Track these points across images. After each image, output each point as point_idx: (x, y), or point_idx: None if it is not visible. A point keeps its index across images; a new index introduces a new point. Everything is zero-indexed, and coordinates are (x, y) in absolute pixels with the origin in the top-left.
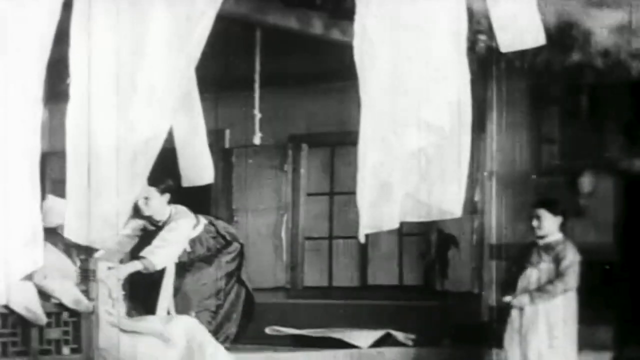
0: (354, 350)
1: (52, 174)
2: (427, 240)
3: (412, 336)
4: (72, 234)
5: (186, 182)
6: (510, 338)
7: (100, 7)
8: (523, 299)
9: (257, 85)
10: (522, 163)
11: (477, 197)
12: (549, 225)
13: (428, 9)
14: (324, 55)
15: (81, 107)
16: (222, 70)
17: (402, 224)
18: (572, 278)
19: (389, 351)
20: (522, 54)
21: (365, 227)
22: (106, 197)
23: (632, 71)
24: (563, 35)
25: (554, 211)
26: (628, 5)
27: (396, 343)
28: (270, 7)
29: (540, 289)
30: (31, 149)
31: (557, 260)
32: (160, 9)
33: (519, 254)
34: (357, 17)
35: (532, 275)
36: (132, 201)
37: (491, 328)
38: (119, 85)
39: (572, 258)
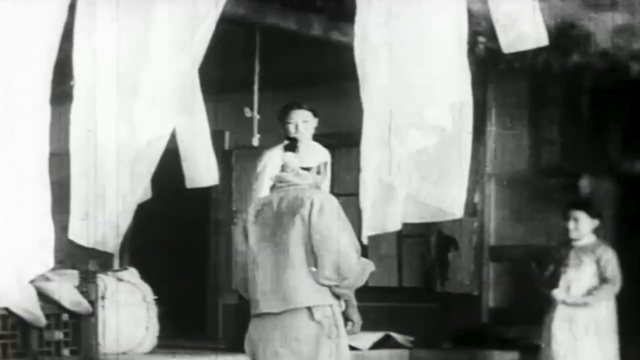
0: (353, 352)
1: (53, 176)
2: (426, 242)
3: (412, 338)
4: (76, 236)
5: (190, 183)
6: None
7: (103, 9)
8: (575, 298)
9: (256, 87)
10: (521, 165)
11: (476, 199)
12: (585, 228)
13: (429, 10)
14: (324, 57)
15: (85, 109)
16: (222, 72)
17: (402, 225)
18: (618, 282)
19: (388, 353)
20: (521, 55)
21: (368, 229)
22: (109, 199)
23: (632, 72)
24: (563, 36)
25: (591, 213)
26: (628, 6)
27: (396, 345)
28: (270, 8)
29: (591, 292)
30: (40, 150)
31: (600, 263)
32: (163, 11)
33: (554, 254)
34: (358, 19)
35: (574, 277)
36: (136, 203)
37: (491, 329)
38: (122, 87)
39: (616, 263)
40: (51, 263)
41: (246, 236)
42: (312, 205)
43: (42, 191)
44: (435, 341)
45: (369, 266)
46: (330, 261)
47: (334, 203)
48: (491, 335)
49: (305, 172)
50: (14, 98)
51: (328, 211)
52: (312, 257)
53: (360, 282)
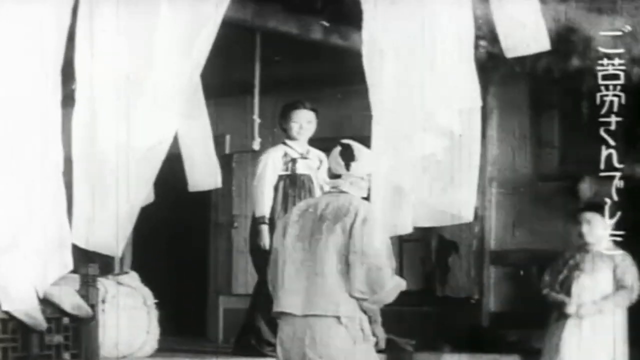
0: None
1: None
2: (427, 246)
3: (412, 341)
4: (78, 239)
5: (193, 187)
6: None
7: (104, 12)
8: (589, 309)
9: (256, 91)
10: (522, 169)
11: (477, 203)
12: (600, 230)
13: (435, 14)
14: (324, 61)
15: (87, 112)
16: (222, 75)
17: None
18: (637, 291)
19: (389, 356)
20: (522, 59)
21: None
22: (112, 202)
23: (632, 77)
24: (563, 41)
25: (604, 214)
26: (628, 11)
27: (396, 348)
28: (270, 12)
29: (607, 298)
30: (54, 153)
31: (618, 270)
32: (166, 14)
33: (568, 258)
34: (365, 25)
35: (589, 283)
36: (139, 206)
37: (492, 333)
38: (125, 91)
39: (636, 271)
40: (70, 265)
41: (284, 234)
42: (356, 215)
43: (58, 194)
44: (436, 345)
45: (401, 284)
46: (364, 274)
47: (378, 217)
48: (491, 339)
49: (362, 184)
50: (29, 101)
51: (370, 224)
52: (346, 267)
53: (390, 299)
